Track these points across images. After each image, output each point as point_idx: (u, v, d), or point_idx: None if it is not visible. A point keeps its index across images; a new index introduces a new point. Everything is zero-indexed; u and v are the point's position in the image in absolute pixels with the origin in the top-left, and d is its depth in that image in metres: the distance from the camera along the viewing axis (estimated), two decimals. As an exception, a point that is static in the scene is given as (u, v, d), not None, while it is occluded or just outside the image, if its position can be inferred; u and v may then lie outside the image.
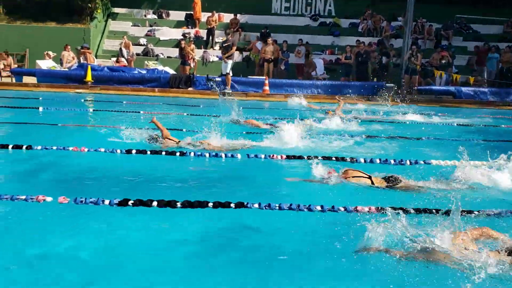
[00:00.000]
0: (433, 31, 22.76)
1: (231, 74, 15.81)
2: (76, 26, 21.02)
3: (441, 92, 16.46)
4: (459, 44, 22.24)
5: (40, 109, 10.46)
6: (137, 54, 20.84)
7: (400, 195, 5.16)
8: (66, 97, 13.40)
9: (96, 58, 20.04)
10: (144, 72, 16.04)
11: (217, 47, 21.78)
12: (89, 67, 15.29)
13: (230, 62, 15.70)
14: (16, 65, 18.80)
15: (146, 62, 19.80)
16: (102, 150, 6.57)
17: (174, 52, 21.52)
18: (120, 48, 20.17)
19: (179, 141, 6.93)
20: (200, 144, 6.90)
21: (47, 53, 18.95)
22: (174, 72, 17.67)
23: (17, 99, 12.11)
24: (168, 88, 15.54)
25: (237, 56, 21.45)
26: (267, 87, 15.61)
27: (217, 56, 21.29)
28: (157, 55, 21.22)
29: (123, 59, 18.67)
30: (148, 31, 22.77)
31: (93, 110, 10.65)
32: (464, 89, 16.27)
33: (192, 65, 18.81)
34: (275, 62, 18.16)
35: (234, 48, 16.05)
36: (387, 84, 16.45)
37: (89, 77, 15.12)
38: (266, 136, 7.62)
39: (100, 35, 21.97)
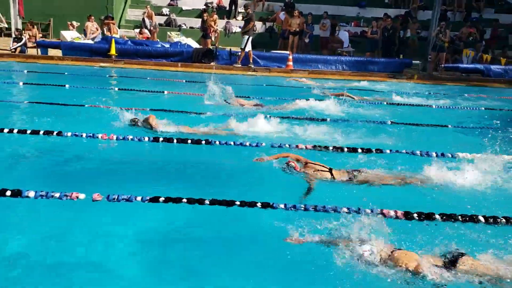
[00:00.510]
0: (464, 2, 21.93)
1: (247, 49, 15.31)
2: (99, -5, 20.86)
3: (468, 70, 15.98)
4: (489, 17, 21.41)
5: (67, 86, 10.56)
6: (160, 25, 20.69)
7: (357, 189, 5.19)
8: (91, 71, 13.46)
9: (119, 28, 19.97)
10: (167, 46, 15.94)
11: (240, 17, 21.44)
12: (113, 40, 15.24)
13: (246, 37, 15.26)
14: (40, 35, 18.89)
15: (168, 33, 19.66)
16: (130, 137, 6.65)
17: (197, 23, 21.27)
18: (143, 18, 20.01)
19: (156, 125, 7.01)
20: (178, 128, 7.03)
21: (71, 23, 18.94)
22: (197, 45, 17.49)
23: (44, 75, 12.21)
24: (191, 62, 15.44)
25: (260, 27, 21.13)
26: (290, 63, 15.39)
27: (239, 27, 20.97)
28: (179, 26, 21.05)
29: (146, 31, 18.56)
30: (170, 1, 22.50)
31: (119, 89, 10.67)
32: (493, 67, 15.75)
33: (213, 38, 18.63)
34: (299, 35, 17.81)
35: (252, 23, 15.52)
36: (413, 62, 16.07)
37: (113, 51, 15.11)
38: (250, 119, 7.45)
39: (123, 5, 21.80)
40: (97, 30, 18.44)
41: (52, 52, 15.70)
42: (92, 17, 18.28)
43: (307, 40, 18.58)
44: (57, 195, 4.71)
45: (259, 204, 4.69)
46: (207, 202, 4.69)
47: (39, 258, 3.77)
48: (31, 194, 4.70)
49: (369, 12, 21.78)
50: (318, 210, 4.63)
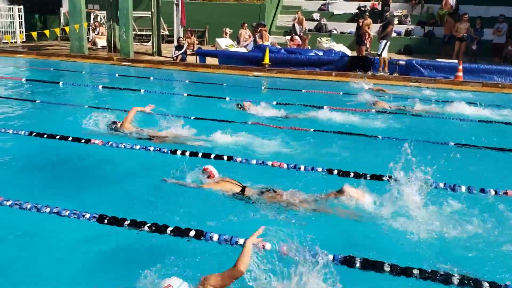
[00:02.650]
0: None
1: (383, 55, 14.14)
2: (252, 2, 20.95)
3: None
4: None
5: (227, 99, 10.33)
6: (309, 30, 20.06)
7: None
8: (246, 81, 13.27)
9: (269, 34, 19.81)
10: (320, 54, 15.14)
11: (396, 21, 19.79)
12: (267, 49, 14.94)
13: (383, 42, 14.06)
14: (197, 42, 19.56)
15: (318, 38, 18.93)
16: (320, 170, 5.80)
17: (348, 27, 20.22)
18: (293, 24, 19.57)
19: (129, 129, 6.76)
20: (151, 136, 6.70)
21: (224, 30, 19.30)
22: (351, 53, 16.44)
23: (205, 85, 12.24)
24: (346, 71, 14.44)
25: (419, 30, 19.38)
26: (460, 73, 13.49)
27: (395, 32, 19.38)
28: (330, 31, 20.19)
29: (297, 38, 18.04)
30: (322, 5, 21.75)
31: (278, 104, 10.06)
32: None
33: (368, 44, 17.37)
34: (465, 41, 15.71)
35: (391, 27, 14.27)
36: None
37: (266, 60, 14.80)
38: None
39: (273, 11, 21.65)
40: (250, 37, 18.45)
41: (209, 60, 15.98)
42: (246, 25, 18.33)
43: (474, 47, 16.33)
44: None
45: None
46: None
47: None
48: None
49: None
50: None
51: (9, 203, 4.40)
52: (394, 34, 19.27)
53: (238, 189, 4.83)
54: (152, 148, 6.26)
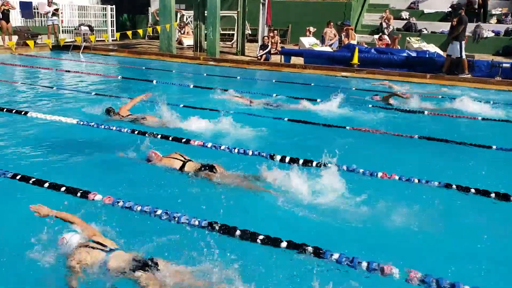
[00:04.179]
0: None
1: (463, 56, 13.28)
2: (337, 1, 20.36)
3: None
4: None
5: (318, 101, 9.92)
6: (397, 29, 19.16)
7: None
8: (334, 81, 12.78)
9: (355, 32, 19.13)
10: (413, 54, 14.27)
11: (493, 20, 18.36)
12: (356, 48, 14.34)
13: (457, 43, 13.13)
14: (279, 41, 19.31)
15: (407, 38, 17.98)
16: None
17: (440, 27, 19.04)
18: (381, 23, 18.77)
19: (124, 116, 7.18)
20: (143, 120, 7.03)
21: (308, 29, 18.88)
22: (445, 53, 15.38)
23: (290, 85, 11.92)
24: (441, 73, 13.50)
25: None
26: None
27: (492, 31, 17.97)
28: (419, 30, 19.13)
29: (386, 37, 17.23)
30: (411, 3, 20.69)
31: (373, 106, 9.51)
32: None
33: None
34: None
35: (463, 26, 13.04)
36: None
37: (355, 60, 14.21)
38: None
39: (359, 9, 20.91)
40: (335, 36, 17.92)
41: (293, 59, 15.67)
42: (331, 23, 17.82)
43: None
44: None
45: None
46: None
47: None
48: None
49: None
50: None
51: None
52: (491, 34, 17.88)
53: (178, 165, 5.16)
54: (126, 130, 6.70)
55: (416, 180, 5.11)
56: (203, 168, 5.06)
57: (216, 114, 7.45)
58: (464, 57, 13.29)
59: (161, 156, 5.31)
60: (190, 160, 5.23)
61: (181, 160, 5.22)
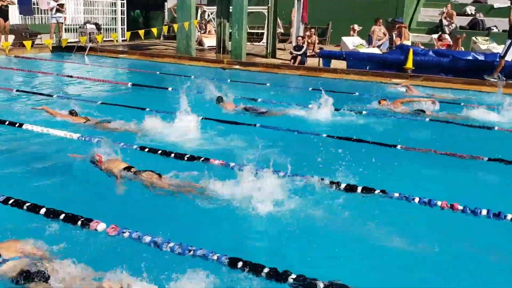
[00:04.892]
0: None
1: (508, 57, 13.19)
2: (387, -5, 20.27)
3: None
4: None
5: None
6: (461, 27, 18.89)
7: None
8: (383, 89, 12.58)
9: (409, 32, 18.95)
10: (481, 57, 13.96)
11: None
12: (410, 50, 14.13)
13: (508, 42, 13.11)
14: (317, 41, 19.25)
15: (473, 38, 17.73)
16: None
17: (513, 24, 18.64)
18: (440, 20, 18.55)
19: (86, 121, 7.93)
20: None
21: (352, 27, 18.80)
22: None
23: (338, 95, 11.73)
24: (516, 81, 13.13)
25: None
26: None
27: None
28: (488, 29, 18.84)
29: (447, 37, 17.02)
30: (478, -4, 20.44)
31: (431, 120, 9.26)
32: None
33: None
34: None
35: None
36: None
37: (409, 64, 14.00)
38: None
39: (415, 3, 20.76)
40: (385, 35, 17.79)
41: (334, 63, 15.57)
42: (380, 20, 17.70)
43: None
44: None
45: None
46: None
47: None
48: None
49: None
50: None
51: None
52: None
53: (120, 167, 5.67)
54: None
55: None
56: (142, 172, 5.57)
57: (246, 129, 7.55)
58: (504, 58, 13.09)
59: (107, 160, 5.83)
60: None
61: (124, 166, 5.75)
